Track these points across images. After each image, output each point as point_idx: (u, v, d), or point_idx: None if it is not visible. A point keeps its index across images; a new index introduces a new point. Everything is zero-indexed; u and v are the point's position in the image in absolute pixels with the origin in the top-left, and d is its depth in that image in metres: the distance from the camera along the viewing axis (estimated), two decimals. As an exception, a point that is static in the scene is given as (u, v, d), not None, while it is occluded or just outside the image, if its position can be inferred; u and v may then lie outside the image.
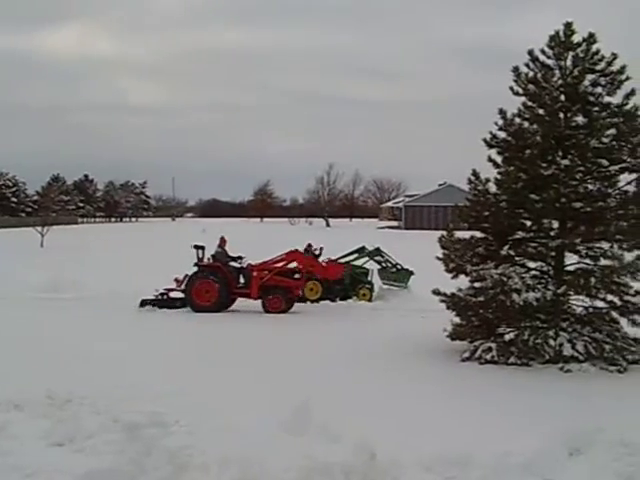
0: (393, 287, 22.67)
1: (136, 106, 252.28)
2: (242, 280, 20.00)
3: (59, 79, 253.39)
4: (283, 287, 19.64)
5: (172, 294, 20.09)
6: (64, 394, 9.24)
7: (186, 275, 19.98)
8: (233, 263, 20.28)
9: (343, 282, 21.92)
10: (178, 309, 19.49)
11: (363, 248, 23.52)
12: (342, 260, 22.76)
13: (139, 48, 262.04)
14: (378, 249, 23.34)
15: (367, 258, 23.28)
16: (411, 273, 22.64)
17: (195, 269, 19.85)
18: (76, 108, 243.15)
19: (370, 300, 21.65)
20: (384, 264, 23.20)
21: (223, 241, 20.75)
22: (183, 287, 19.77)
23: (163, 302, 19.83)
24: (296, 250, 20.62)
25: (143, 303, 19.58)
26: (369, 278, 22.66)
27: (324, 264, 21.23)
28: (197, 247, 20.39)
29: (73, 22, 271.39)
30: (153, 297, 19.92)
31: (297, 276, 20.10)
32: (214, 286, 19.36)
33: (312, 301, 21.15)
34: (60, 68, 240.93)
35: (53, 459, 7.15)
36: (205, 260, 20.31)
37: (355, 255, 23.19)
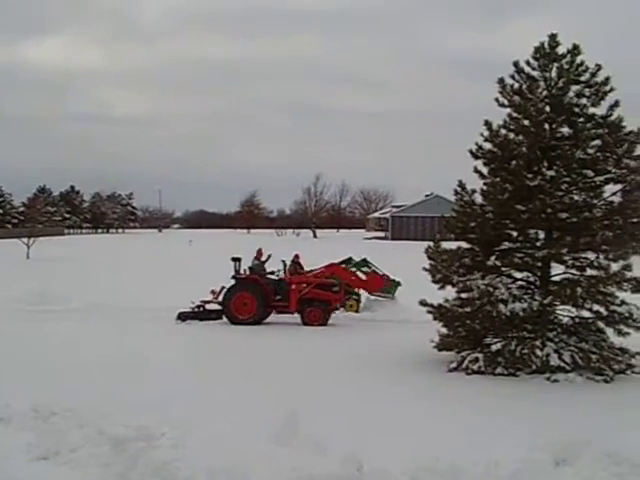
0: (380, 298, 22.63)
1: (121, 117, 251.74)
2: (279, 293, 19.93)
3: (44, 90, 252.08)
4: (322, 300, 19.57)
5: (208, 306, 20.01)
6: (49, 407, 9.17)
7: (222, 287, 19.92)
8: (270, 276, 20.25)
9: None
10: (214, 320, 19.51)
11: (350, 259, 23.51)
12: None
13: (123, 59, 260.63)
14: (365, 260, 23.34)
15: (354, 269, 23.26)
16: (398, 284, 22.64)
17: (232, 281, 19.78)
18: (61, 119, 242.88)
19: (357, 311, 21.62)
20: (277, 274, 23.14)
21: (260, 253, 20.79)
22: (219, 299, 19.71)
23: (199, 314, 19.73)
24: (335, 263, 20.49)
25: (180, 316, 19.52)
26: (356, 289, 22.60)
27: (364, 277, 21.12)
28: (234, 260, 20.37)
29: (57, 34, 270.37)
30: (189, 309, 19.86)
31: (335, 289, 19.95)
32: (252, 299, 19.31)
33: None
34: (44, 79, 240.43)
35: (38, 473, 7.11)
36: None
37: (343, 266, 23.17)
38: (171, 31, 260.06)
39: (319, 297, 19.53)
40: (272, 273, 20.46)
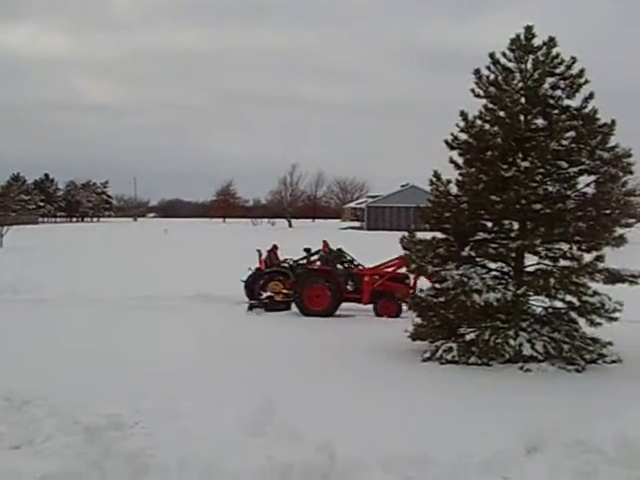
0: None
1: (92, 105, 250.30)
2: (351, 285, 19.82)
3: (13, 77, 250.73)
4: (394, 292, 19.24)
5: (277, 297, 19.95)
6: (22, 396, 9.11)
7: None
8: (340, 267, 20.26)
9: None
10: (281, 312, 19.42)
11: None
12: (304, 261, 22.75)
13: (94, 47, 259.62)
14: (340, 250, 23.36)
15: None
16: None
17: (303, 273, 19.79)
18: (33, 107, 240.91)
19: None
20: (346, 264, 23.22)
21: (325, 245, 20.68)
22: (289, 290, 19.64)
23: (268, 305, 19.66)
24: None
25: (251, 307, 19.53)
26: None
27: None
28: (306, 250, 20.26)
29: (25, 21, 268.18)
30: (258, 300, 19.84)
31: (408, 281, 19.36)
32: (325, 291, 19.16)
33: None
34: (13, 66, 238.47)
35: (10, 462, 7.07)
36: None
37: (317, 256, 23.17)
38: (140, 20, 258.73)
39: (392, 289, 19.40)
40: (351, 263, 20.35)
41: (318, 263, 20.84)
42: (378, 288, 19.35)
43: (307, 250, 20.56)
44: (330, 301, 19.08)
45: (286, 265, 22.26)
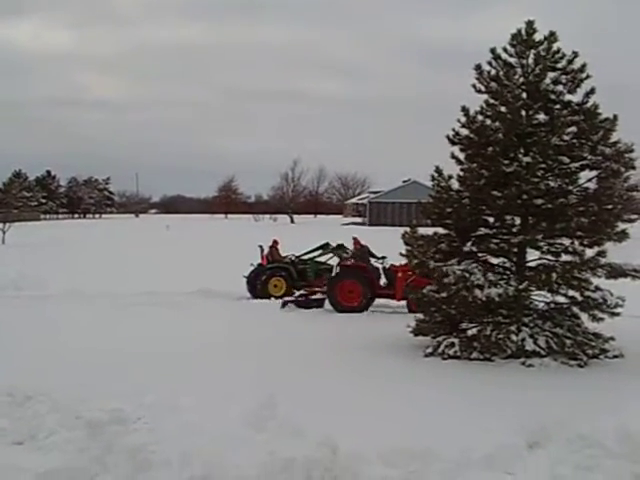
0: None
1: (95, 101, 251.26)
2: (384, 281, 19.76)
3: (15, 73, 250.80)
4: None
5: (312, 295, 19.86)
6: (25, 391, 9.13)
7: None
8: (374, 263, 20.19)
9: (307, 278, 22.00)
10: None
11: (327, 244, 23.55)
12: (306, 256, 22.79)
13: (97, 42, 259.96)
14: (341, 245, 23.40)
15: (330, 255, 23.33)
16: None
17: (338, 269, 19.63)
18: (34, 103, 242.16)
19: None
20: (380, 261, 23.22)
21: (357, 242, 20.77)
22: (324, 288, 19.52)
23: (302, 302, 19.59)
24: None
25: (284, 304, 19.42)
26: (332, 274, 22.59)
27: None
28: (339, 247, 20.22)
29: (29, 16, 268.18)
30: (292, 298, 19.80)
31: None
32: (358, 287, 19.05)
33: (276, 297, 21.06)
34: (16, 62, 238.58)
35: (13, 457, 7.09)
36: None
37: (319, 251, 23.24)
38: (144, 15, 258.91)
39: (425, 285, 19.07)
40: (382, 259, 20.34)
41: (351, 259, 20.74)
42: (412, 284, 19.22)
43: (339, 247, 20.42)
44: (363, 297, 18.99)
45: (287, 261, 22.30)
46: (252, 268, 22.03)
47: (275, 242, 22.68)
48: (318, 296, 19.77)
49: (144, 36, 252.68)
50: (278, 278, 21.62)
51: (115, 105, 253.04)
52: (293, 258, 22.56)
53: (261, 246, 22.50)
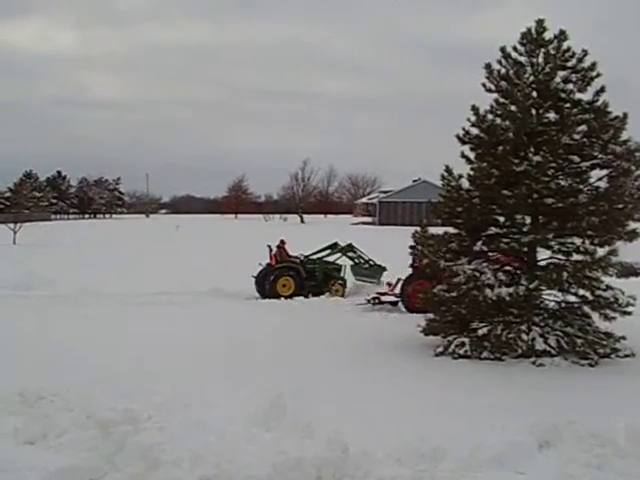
0: (366, 283, 22.75)
1: (102, 101, 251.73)
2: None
3: (24, 75, 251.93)
4: None
5: (384, 297, 19.66)
6: (36, 391, 9.16)
7: (398, 279, 19.67)
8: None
9: (316, 278, 22.03)
10: None
11: (336, 244, 23.56)
12: (315, 256, 22.81)
13: (104, 42, 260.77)
14: (350, 245, 23.39)
15: (339, 254, 23.33)
16: (383, 269, 22.75)
17: (410, 271, 19.29)
18: (45, 103, 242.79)
19: (342, 295, 21.73)
20: (357, 260, 23.26)
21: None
22: (395, 291, 19.39)
23: (375, 305, 19.43)
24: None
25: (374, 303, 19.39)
26: (342, 274, 22.69)
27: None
28: (412, 247, 20.27)
29: (35, 17, 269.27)
30: (365, 301, 19.76)
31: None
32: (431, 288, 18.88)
33: (285, 297, 21.12)
34: (24, 64, 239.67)
35: (24, 457, 7.11)
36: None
37: (328, 251, 23.24)
38: (151, 15, 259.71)
39: None
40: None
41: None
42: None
43: (413, 247, 20.38)
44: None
45: (296, 260, 22.31)
46: (260, 268, 22.03)
47: (282, 242, 22.66)
48: (391, 298, 19.58)
49: (152, 36, 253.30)
50: (287, 278, 21.63)
51: (123, 105, 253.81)
52: (302, 258, 22.56)
53: (269, 246, 22.51)
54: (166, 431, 7.63)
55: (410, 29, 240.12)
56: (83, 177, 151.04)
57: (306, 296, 21.34)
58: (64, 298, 20.26)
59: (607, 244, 12.27)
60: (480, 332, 12.15)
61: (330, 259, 23.21)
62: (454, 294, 12.46)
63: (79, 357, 11.89)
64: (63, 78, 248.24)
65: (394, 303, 19.35)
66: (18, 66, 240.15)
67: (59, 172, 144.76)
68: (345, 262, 23.23)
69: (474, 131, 12.97)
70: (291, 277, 21.66)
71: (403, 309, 18.73)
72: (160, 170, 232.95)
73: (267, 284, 21.53)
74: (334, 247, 23.50)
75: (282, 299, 20.84)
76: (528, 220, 12.72)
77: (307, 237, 28.37)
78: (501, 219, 12.91)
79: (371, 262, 23.12)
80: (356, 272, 23.16)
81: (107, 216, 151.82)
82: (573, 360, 11.76)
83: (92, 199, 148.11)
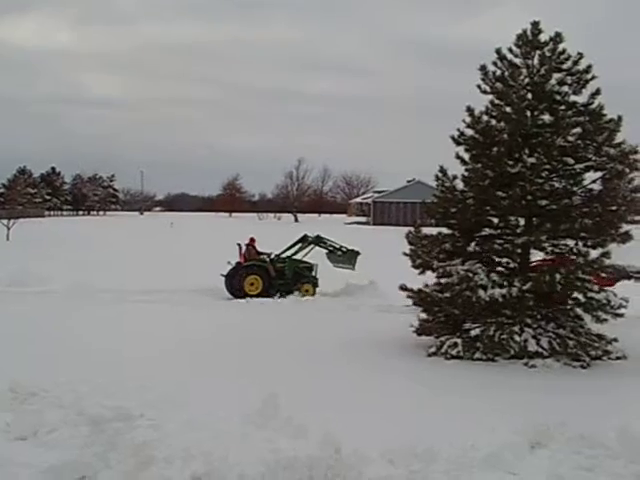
0: (343, 269, 22.81)
1: (97, 99, 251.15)
2: None
3: (20, 71, 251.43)
4: None
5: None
6: (28, 388, 9.16)
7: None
8: None
9: (285, 277, 21.82)
10: None
11: (305, 237, 23.30)
12: (288, 252, 22.65)
13: (100, 40, 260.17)
14: (319, 236, 23.17)
15: (309, 251, 23.06)
16: (357, 253, 22.80)
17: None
18: (39, 100, 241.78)
19: (313, 295, 21.49)
20: (330, 248, 23.14)
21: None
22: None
23: None
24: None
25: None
26: (313, 273, 22.38)
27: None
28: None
29: (32, 14, 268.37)
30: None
31: None
32: None
33: (252, 296, 20.86)
34: (20, 60, 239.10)
35: (16, 453, 7.11)
36: None
37: (299, 245, 23.03)
38: (147, 13, 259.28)
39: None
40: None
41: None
42: None
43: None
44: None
45: (265, 259, 22.11)
46: (230, 266, 21.75)
47: (252, 240, 22.38)
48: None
49: (147, 34, 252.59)
50: (254, 276, 21.32)
51: (119, 102, 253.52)
52: (273, 256, 22.33)
53: (239, 244, 22.30)
54: (158, 429, 7.64)
55: (406, 29, 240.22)
56: (77, 174, 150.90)
57: (273, 296, 21.08)
58: (57, 295, 20.22)
59: (600, 246, 12.30)
60: (473, 333, 12.16)
61: (302, 254, 22.90)
62: (447, 294, 12.46)
63: (71, 354, 11.87)
64: (59, 75, 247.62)
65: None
66: (14, 62, 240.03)
67: (53, 168, 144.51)
68: (319, 261, 22.94)
69: (469, 132, 12.99)
70: (259, 276, 21.37)
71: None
72: (155, 167, 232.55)
73: (235, 283, 21.29)
74: (304, 240, 23.19)
75: (248, 299, 20.65)
76: (522, 222, 12.73)
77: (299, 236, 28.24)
78: (495, 220, 12.92)
79: (344, 249, 23.07)
80: (332, 259, 23.17)
81: (101, 213, 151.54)
82: (565, 362, 11.78)
83: (86, 196, 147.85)
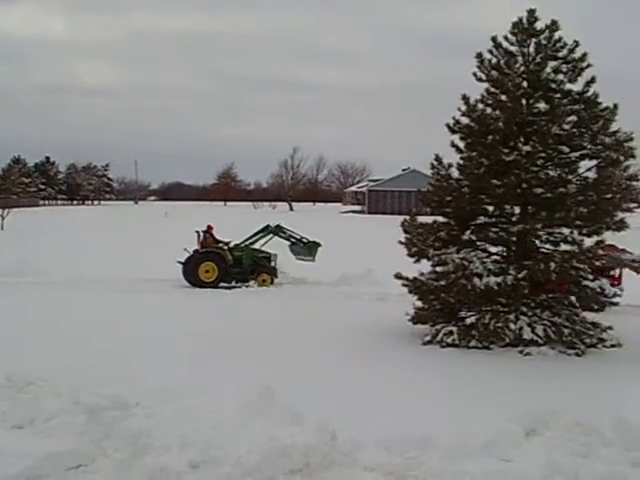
0: (304, 261, 22.92)
1: (91, 88, 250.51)
2: None
3: (13, 60, 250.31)
4: None
5: None
6: (25, 376, 9.14)
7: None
8: None
9: (243, 266, 21.80)
10: None
11: (267, 226, 23.28)
12: (249, 241, 22.64)
13: (93, 28, 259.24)
14: (279, 226, 23.09)
15: (268, 240, 23.05)
16: (318, 245, 22.80)
17: None
18: (33, 89, 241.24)
19: (270, 285, 21.52)
20: (291, 239, 23.14)
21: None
22: None
23: None
24: (612, 245, 16.26)
25: None
26: (272, 263, 22.36)
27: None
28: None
29: (23, 2, 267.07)
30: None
31: (612, 273, 16.26)
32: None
33: (207, 284, 20.88)
34: (12, 49, 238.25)
35: (12, 441, 7.10)
36: None
37: (261, 234, 22.96)
38: (141, 1, 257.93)
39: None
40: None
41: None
42: None
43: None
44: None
45: (222, 247, 22.04)
46: (188, 254, 21.68)
47: (210, 227, 22.42)
48: None
49: (141, 23, 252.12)
50: (209, 263, 21.25)
51: (113, 92, 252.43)
52: (232, 245, 22.27)
53: (197, 231, 22.26)
54: (155, 417, 7.63)
55: (403, 18, 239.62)
56: (72, 163, 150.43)
57: (229, 283, 21.25)
58: (53, 285, 20.22)
59: (595, 234, 12.35)
60: (468, 321, 12.20)
61: (258, 246, 22.78)
62: (443, 283, 12.48)
63: (67, 343, 11.86)
64: (52, 64, 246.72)
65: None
66: (6, 51, 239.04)
67: (47, 158, 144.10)
68: (280, 250, 22.96)
69: (464, 120, 12.99)
70: (214, 263, 21.30)
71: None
72: (149, 157, 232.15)
73: (189, 270, 21.24)
74: (265, 230, 23.17)
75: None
76: (517, 210, 12.76)
77: (295, 225, 28.21)
78: (490, 208, 12.96)
79: (304, 240, 23.10)
80: (294, 251, 23.25)
81: (95, 202, 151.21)
82: (560, 350, 11.83)
83: (80, 185, 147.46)
